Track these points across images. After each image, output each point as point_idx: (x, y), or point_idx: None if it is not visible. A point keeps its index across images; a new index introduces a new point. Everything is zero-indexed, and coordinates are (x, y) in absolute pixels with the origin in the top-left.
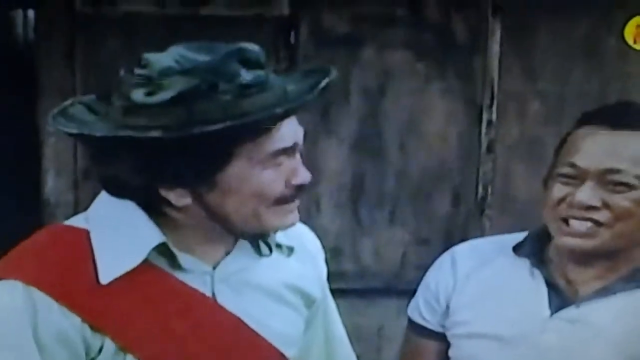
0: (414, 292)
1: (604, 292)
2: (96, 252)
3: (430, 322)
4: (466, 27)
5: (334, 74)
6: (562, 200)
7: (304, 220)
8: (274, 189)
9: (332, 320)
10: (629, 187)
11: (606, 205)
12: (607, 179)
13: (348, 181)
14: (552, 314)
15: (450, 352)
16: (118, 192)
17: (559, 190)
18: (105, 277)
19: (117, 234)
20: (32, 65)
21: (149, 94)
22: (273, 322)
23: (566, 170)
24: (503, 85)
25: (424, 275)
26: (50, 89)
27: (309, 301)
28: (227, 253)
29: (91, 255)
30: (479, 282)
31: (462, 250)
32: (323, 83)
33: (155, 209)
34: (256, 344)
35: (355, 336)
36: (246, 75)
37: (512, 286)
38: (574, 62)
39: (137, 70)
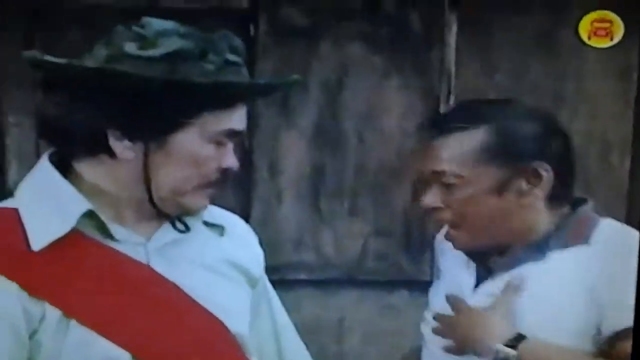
0: (374, 282)
1: (508, 266)
2: (25, 223)
3: None
4: (423, 21)
5: (297, 79)
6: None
7: (265, 212)
8: (209, 165)
9: (276, 309)
10: (454, 186)
11: (447, 205)
12: (442, 181)
13: (308, 173)
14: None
15: None
16: (62, 138)
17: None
18: (36, 245)
19: (45, 205)
20: None
21: (141, 48)
22: (213, 295)
23: (417, 176)
24: (460, 78)
25: (384, 265)
26: (9, 80)
27: (251, 279)
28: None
29: (22, 228)
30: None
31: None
32: (289, 79)
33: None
34: (196, 312)
35: (316, 326)
36: (231, 55)
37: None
38: (530, 57)
39: (135, 28)
